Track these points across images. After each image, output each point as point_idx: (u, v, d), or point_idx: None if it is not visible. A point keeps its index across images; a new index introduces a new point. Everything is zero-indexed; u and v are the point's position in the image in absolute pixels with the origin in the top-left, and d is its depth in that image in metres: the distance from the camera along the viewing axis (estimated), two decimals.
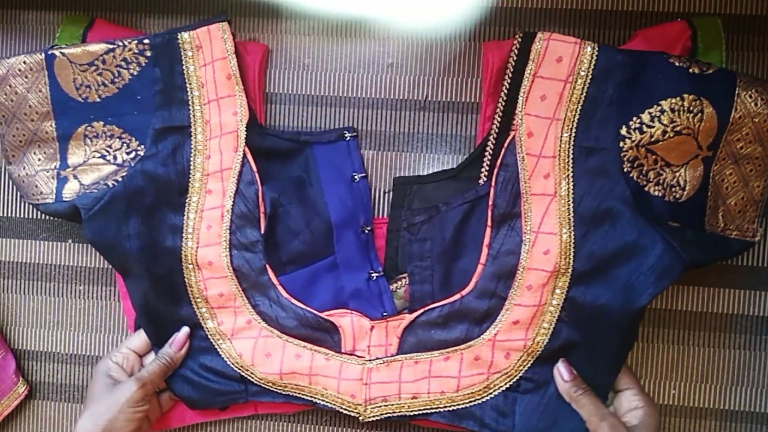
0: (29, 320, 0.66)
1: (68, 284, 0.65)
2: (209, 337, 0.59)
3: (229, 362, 0.58)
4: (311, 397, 0.58)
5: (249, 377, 0.58)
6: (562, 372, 0.55)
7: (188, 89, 0.56)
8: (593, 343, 0.54)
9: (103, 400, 0.54)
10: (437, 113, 0.61)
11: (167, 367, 0.57)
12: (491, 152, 0.57)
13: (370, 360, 0.57)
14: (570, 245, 0.53)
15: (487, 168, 0.57)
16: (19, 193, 0.59)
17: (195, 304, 0.58)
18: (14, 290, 0.66)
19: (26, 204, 0.65)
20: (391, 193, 0.60)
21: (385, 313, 0.58)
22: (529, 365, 0.56)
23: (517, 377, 0.56)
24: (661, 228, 0.51)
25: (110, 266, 0.64)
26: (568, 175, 0.53)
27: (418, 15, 0.61)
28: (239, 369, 0.58)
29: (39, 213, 0.65)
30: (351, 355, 0.57)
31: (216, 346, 0.59)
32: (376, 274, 0.58)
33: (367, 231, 0.58)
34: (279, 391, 0.58)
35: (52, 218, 0.65)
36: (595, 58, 0.52)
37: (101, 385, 0.56)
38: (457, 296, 0.55)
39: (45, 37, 0.64)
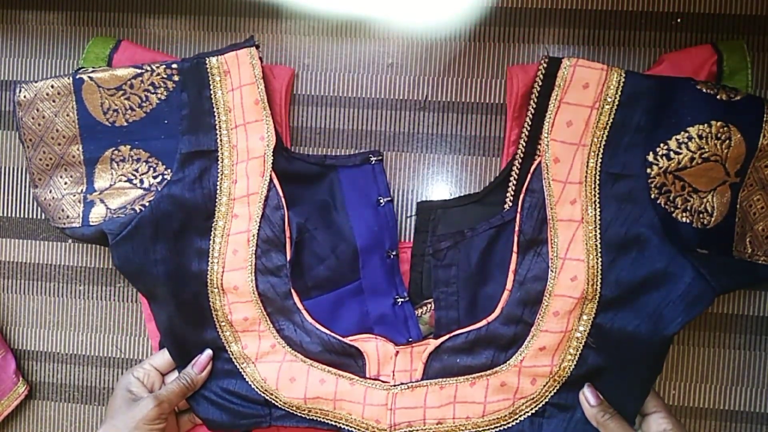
0: (29, 320, 0.66)
1: (68, 284, 0.65)
2: (233, 360, 0.58)
3: (253, 386, 0.58)
4: (336, 422, 0.58)
5: (273, 401, 0.58)
6: (588, 397, 0.54)
7: (215, 114, 0.56)
8: (621, 369, 0.54)
9: (120, 416, 0.55)
10: (437, 113, 0.61)
11: (187, 388, 0.57)
12: (516, 177, 0.57)
13: (394, 385, 0.57)
14: (597, 272, 0.53)
15: (512, 193, 0.57)
16: (45, 215, 0.59)
17: (219, 328, 0.58)
18: (14, 290, 0.66)
19: (26, 204, 0.65)
20: (414, 217, 0.60)
21: (410, 339, 0.57)
22: (555, 391, 0.55)
23: (543, 403, 0.55)
24: (691, 255, 0.51)
25: (110, 266, 0.64)
26: (594, 202, 0.53)
27: (418, 15, 0.61)
28: (263, 393, 0.58)
29: (39, 213, 0.65)
30: (375, 380, 0.57)
31: (240, 370, 0.58)
32: (402, 300, 0.58)
33: (392, 256, 0.58)
34: (303, 416, 0.58)
35: None
36: (622, 84, 0.52)
37: (120, 399, 0.56)
38: (483, 322, 0.55)
39: (45, 37, 0.64)
